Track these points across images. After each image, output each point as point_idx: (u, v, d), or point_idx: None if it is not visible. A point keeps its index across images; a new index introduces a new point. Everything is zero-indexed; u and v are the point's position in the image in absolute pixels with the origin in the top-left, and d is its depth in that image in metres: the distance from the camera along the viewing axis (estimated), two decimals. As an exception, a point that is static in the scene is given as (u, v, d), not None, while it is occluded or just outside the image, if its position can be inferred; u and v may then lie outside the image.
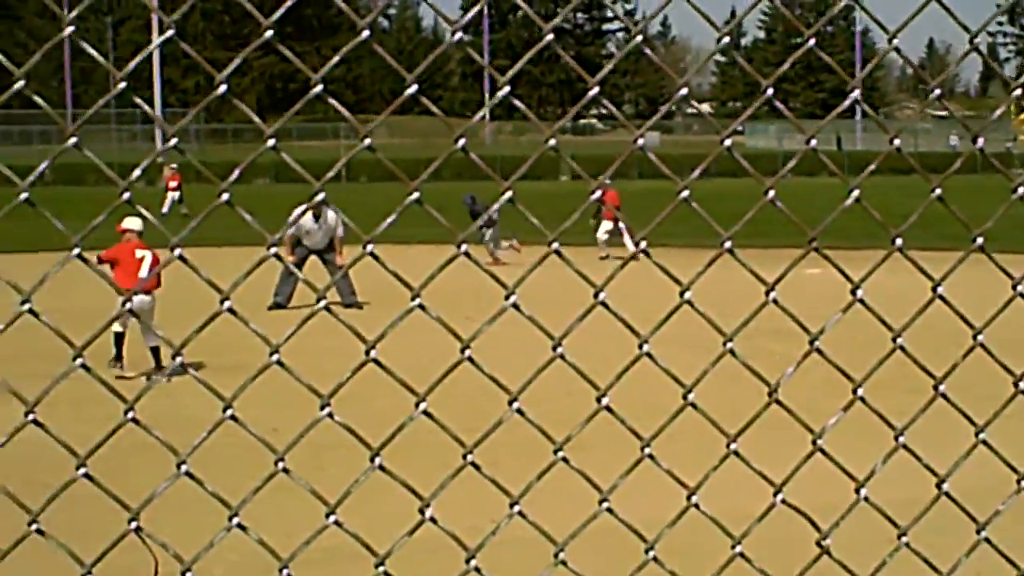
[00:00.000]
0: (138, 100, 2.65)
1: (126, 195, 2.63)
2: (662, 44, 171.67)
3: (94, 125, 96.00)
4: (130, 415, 2.69)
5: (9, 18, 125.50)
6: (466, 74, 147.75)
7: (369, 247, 2.75)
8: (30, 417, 2.66)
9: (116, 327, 16.33)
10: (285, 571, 2.88)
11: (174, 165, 50.57)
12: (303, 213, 3.22)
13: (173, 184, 49.25)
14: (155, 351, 16.98)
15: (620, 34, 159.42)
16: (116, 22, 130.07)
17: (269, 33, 2.68)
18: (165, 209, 46.77)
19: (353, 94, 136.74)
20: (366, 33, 2.77)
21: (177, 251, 2.64)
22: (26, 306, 2.62)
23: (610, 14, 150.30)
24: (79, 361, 2.70)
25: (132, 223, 17.04)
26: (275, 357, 2.74)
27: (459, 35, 2.80)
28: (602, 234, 33.27)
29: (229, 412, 2.75)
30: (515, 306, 2.87)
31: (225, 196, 2.67)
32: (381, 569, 2.98)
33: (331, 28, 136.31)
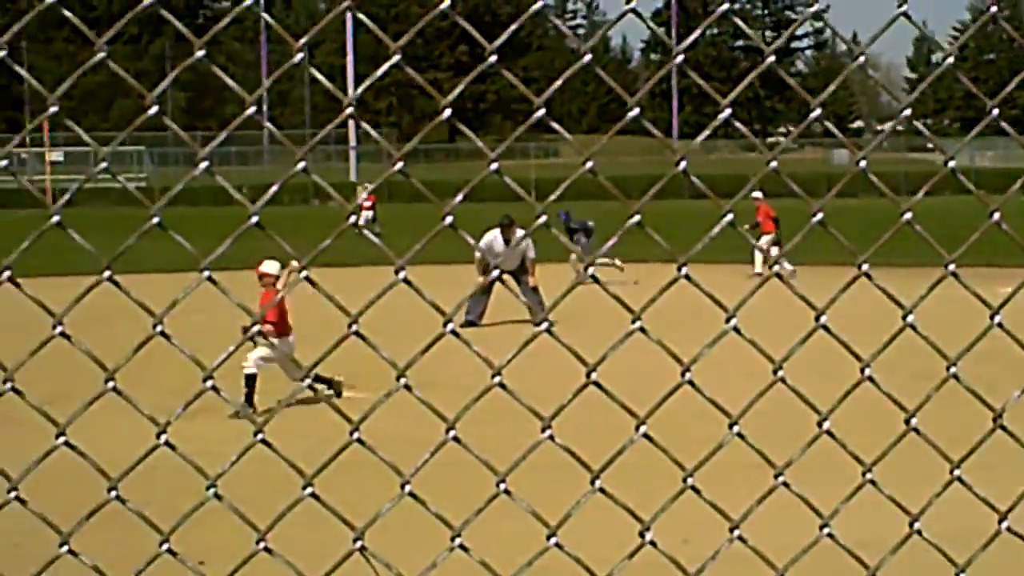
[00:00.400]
0: (365, 125, 2.69)
1: (352, 218, 2.67)
2: (851, 61, 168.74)
3: (293, 147, 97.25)
4: (355, 435, 2.73)
5: (210, 43, 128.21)
6: (654, 93, 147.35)
7: (591, 270, 2.75)
8: (259, 437, 2.71)
9: (251, 368, 15.82)
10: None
11: (368, 184, 51.24)
12: (526, 234, 3.22)
13: (367, 204, 49.88)
14: (318, 378, 16.28)
15: (808, 52, 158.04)
16: (312, 45, 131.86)
17: (493, 58, 2.70)
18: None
19: (546, 114, 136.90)
20: (588, 57, 2.78)
21: (402, 274, 2.67)
22: (256, 328, 2.67)
23: (800, 32, 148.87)
24: (307, 382, 2.75)
25: (271, 267, 16.54)
26: (497, 379, 2.76)
27: (680, 57, 2.80)
28: (774, 251, 31.92)
29: (452, 433, 2.77)
30: (736, 329, 2.85)
31: (449, 219, 2.70)
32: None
33: (521, 49, 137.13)
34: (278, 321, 16.02)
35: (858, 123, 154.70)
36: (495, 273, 22.72)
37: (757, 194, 32.54)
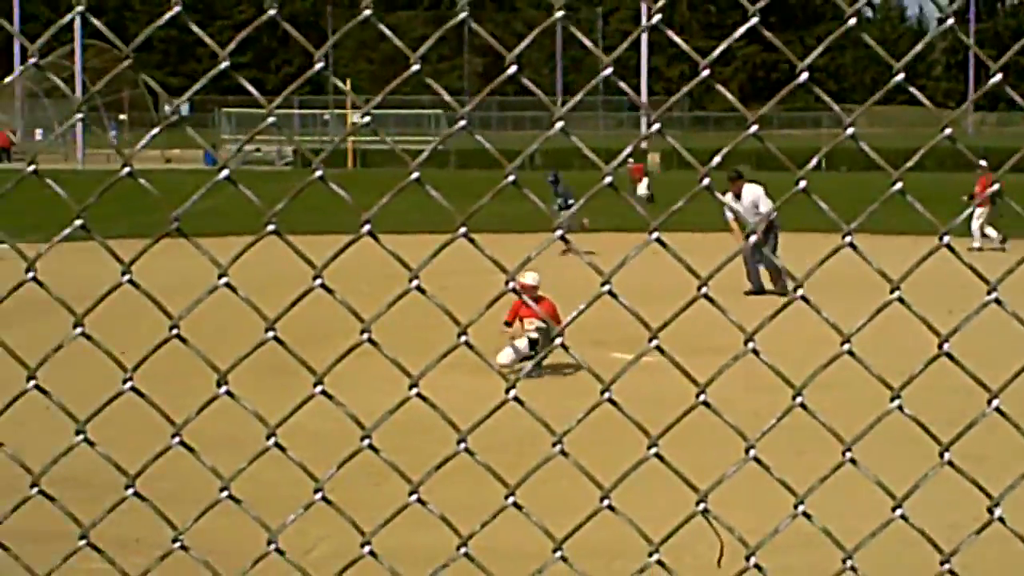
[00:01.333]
0: (722, 89, 2.69)
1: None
2: None
3: (583, 112, 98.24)
4: (607, 395, 2.74)
5: (506, 9, 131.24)
6: (950, 64, 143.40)
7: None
8: (606, 395, 2.74)
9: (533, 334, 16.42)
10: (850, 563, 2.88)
11: (652, 158, 51.28)
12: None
13: (639, 175, 49.68)
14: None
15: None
16: (606, 12, 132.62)
17: (852, 21, 2.67)
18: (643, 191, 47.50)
19: (835, 83, 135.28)
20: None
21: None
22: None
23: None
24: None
25: (531, 279, 16.41)
26: (846, 346, 2.73)
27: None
28: (976, 224, 30.16)
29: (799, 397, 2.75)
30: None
31: (803, 183, 2.68)
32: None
33: (815, 17, 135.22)
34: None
35: None
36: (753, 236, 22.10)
37: (983, 163, 30.62)
